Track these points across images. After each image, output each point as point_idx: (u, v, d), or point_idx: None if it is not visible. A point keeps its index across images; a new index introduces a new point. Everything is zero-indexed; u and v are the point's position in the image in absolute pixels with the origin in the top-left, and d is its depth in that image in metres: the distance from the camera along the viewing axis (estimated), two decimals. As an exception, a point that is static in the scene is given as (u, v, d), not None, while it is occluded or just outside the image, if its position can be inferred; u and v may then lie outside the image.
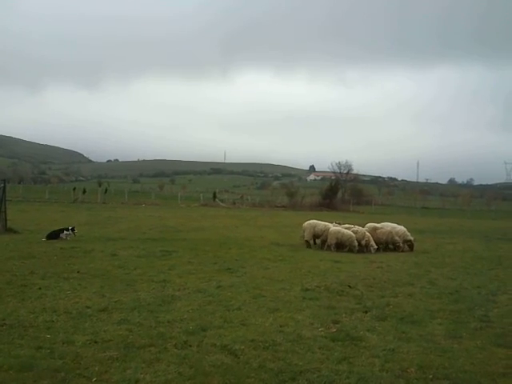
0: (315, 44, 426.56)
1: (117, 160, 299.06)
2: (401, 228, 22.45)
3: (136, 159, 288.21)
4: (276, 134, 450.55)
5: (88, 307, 9.75)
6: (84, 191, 64.93)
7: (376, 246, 20.84)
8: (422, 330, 9.06)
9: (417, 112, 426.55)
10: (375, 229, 22.13)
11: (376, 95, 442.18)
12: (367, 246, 20.77)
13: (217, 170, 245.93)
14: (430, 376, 6.86)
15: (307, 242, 21.81)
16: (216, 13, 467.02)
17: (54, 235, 20.90)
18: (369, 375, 6.82)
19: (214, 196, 72.50)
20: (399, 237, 21.75)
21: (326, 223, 22.15)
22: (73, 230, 21.68)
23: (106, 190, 69.80)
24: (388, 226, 22.95)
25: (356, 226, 22.17)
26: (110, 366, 6.75)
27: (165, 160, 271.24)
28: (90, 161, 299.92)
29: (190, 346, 7.71)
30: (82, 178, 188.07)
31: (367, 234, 21.04)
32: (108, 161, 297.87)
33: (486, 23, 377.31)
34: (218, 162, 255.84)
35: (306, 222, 22.28)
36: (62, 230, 21.37)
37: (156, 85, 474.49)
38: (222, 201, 72.56)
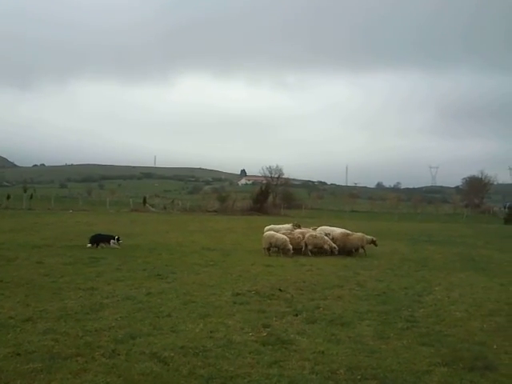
0: (256, 47, 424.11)
1: (43, 164, 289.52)
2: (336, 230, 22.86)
3: (63, 163, 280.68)
4: (208, 139, 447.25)
5: (11, 318, 9.43)
6: (8, 197, 62.50)
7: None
8: (351, 332, 9.23)
9: (347, 117, 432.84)
10: (347, 235, 22.32)
11: (312, 99, 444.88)
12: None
13: (147, 174, 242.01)
14: (359, 377, 6.99)
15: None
16: (155, 10, 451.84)
17: (99, 240, 21.29)
18: (299, 378, 6.88)
19: (144, 201, 71.35)
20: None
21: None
22: (118, 239, 21.64)
23: (32, 196, 67.50)
24: (326, 229, 23.16)
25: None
26: (34, 379, 6.53)
27: (93, 164, 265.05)
28: (15, 165, 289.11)
29: (119, 354, 7.58)
30: (6, 184, 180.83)
31: (301, 236, 21.42)
32: (34, 165, 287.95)
33: (421, 30, 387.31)
34: (148, 166, 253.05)
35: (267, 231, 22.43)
36: (107, 238, 21.62)
37: (90, 85, 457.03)
38: (153, 206, 71.60)
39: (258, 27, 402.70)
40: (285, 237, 20.85)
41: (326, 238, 21.50)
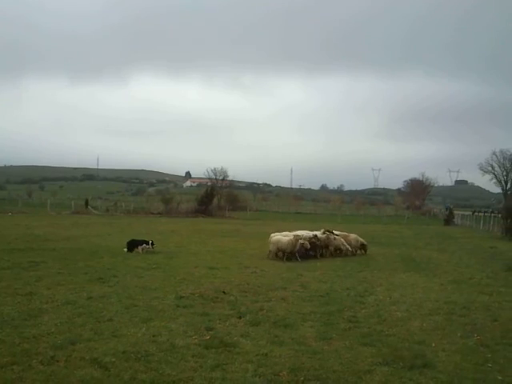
0: (212, 46, 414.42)
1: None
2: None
3: (2, 165, 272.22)
4: (154, 139, 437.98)
5: None
6: None
7: None
8: (294, 333, 9.28)
9: (298, 120, 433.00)
10: (347, 236, 23.60)
11: (264, 101, 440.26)
12: None
13: (89, 176, 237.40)
14: (302, 378, 7.02)
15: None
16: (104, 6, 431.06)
17: (134, 245, 21.51)
18: (242, 381, 6.88)
19: (86, 203, 70.14)
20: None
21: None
22: (152, 244, 21.67)
23: (-32, 198, 65.55)
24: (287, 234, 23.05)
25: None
26: (-34, 390, 6.28)
27: (33, 166, 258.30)
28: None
29: (58, 361, 7.39)
30: None
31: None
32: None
33: (376, 34, 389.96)
34: (91, 167, 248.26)
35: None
36: (141, 242, 21.64)
37: (31, 82, 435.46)
38: (95, 208, 70.46)
39: (214, 27, 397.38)
40: (292, 239, 20.75)
41: (342, 239, 22.70)
